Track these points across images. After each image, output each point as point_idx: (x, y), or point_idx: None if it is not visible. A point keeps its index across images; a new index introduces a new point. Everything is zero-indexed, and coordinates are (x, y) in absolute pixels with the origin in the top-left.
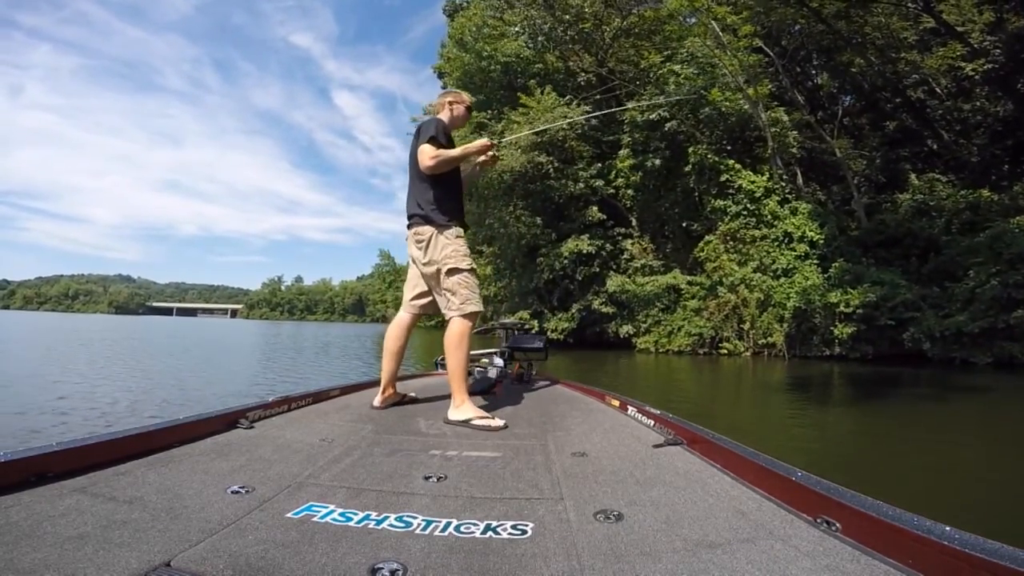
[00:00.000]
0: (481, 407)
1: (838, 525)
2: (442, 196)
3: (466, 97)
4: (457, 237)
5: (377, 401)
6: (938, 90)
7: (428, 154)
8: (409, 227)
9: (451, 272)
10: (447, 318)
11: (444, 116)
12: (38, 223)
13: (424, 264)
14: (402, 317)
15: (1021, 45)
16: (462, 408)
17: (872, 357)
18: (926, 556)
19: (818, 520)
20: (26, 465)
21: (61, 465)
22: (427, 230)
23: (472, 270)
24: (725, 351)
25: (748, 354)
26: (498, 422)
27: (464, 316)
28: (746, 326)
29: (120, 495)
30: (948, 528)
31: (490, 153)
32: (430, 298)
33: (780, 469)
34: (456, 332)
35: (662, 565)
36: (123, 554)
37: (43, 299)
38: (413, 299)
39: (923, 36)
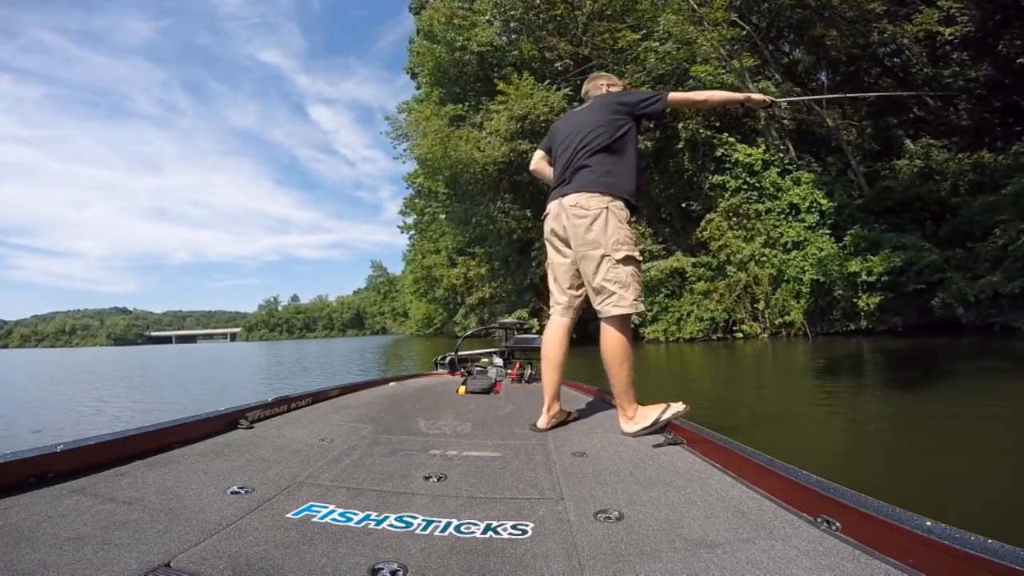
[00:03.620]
0: (480, 407)
1: (838, 525)
2: (627, 166)
3: (618, 81)
4: (628, 221)
5: (542, 422)
6: (913, 59)
7: (674, 93)
8: (563, 195)
9: (625, 261)
10: (607, 315)
11: None
12: (28, 260)
13: (583, 245)
14: (559, 321)
15: (993, 7)
16: (639, 415)
17: (902, 329)
18: (926, 556)
19: (818, 520)
20: (26, 466)
21: (61, 466)
22: (594, 202)
23: (640, 262)
24: (740, 335)
25: (765, 336)
26: (678, 405)
27: (628, 316)
28: (760, 306)
29: (120, 496)
30: (948, 528)
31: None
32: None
33: (780, 469)
34: (623, 338)
35: (662, 565)
36: (123, 555)
37: (40, 336)
38: (570, 296)
39: (890, 7)
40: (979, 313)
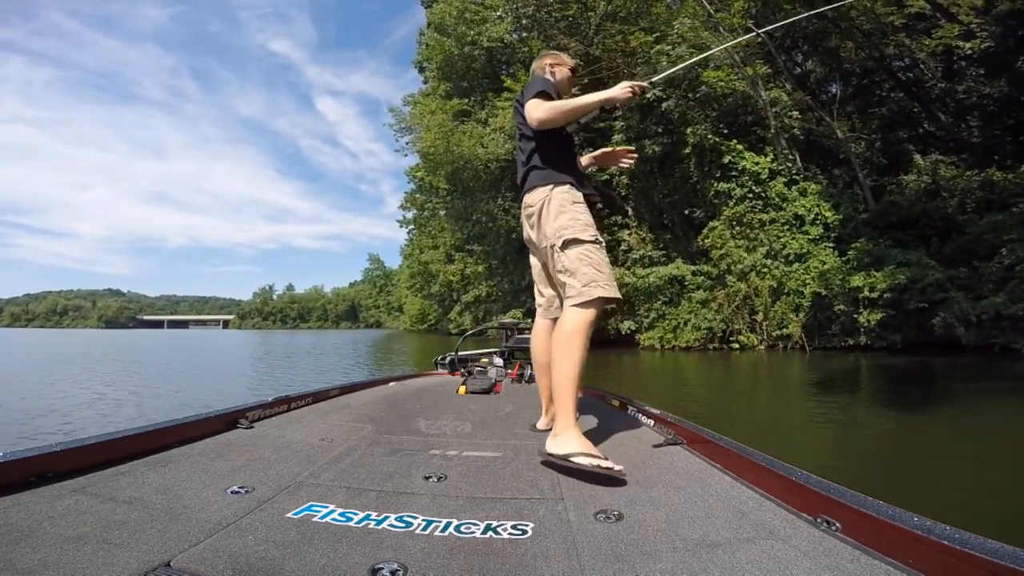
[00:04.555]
0: (480, 407)
1: (838, 525)
2: (554, 151)
3: (567, 59)
4: (575, 203)
5: (541, 423)
6: (928, 73)
7: (539, 107)
8: (520, 201)
9: (568, 245)
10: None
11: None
12: (24, 239)
13: (538, 245)
14: (542, 324)
15: (1016, 22)
16: (564, 437)
17: (901, 346)
18: (926, 556)
19: (818, 520)
20: (26, 465)
21: (61, 465)
22: (536, 197)
23: (597, 242)
24: (737, 345)
25: (762, 348)
26: (611, 464)
27: (584, 304)
28: (759, 317)
29: (120, 495)
30: (948, 528)
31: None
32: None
33: (780, 469)
34: (569, 327)
35: (662, 565)
36: (123, 554)
37: (31, 316)
38: (547, 296)
39: (909, 20)
40: (980, 334)
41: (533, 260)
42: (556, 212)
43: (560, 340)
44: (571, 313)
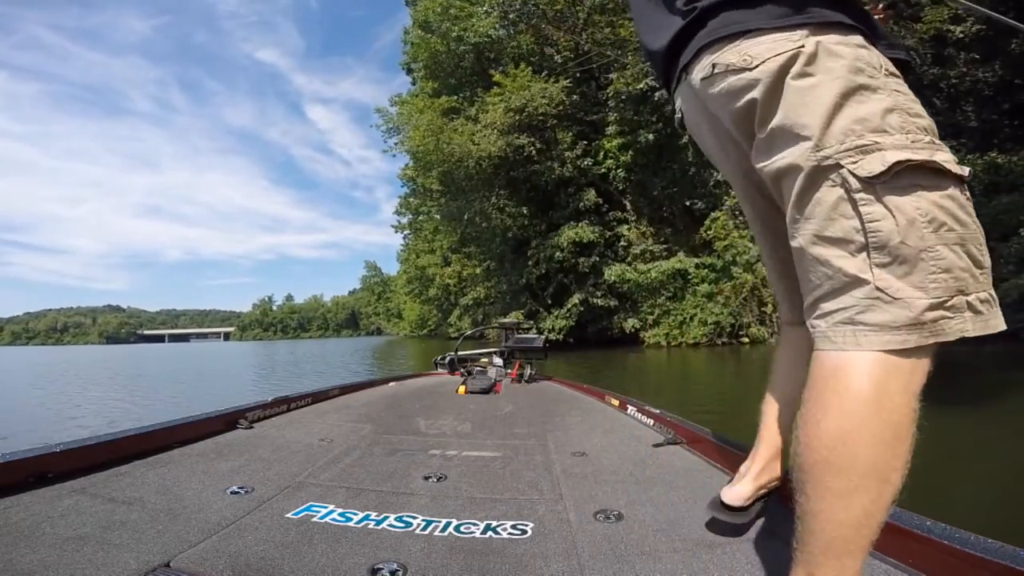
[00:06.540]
0: (480, 407)
1: None
2: None
3: None
4: (890, 73)
5: (733, 495)
6: (918, 59)
7: None
8: (680, 71)
9: (897, 177)
10: (834, 346)
11: None
12: (20, 257)
13: (765, 171)
14: (785, 355)
15: (1005, 6)
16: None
17: None
18: (926, 556)
19: None
20: (26, 466)
21: (61, 466)
22: (757, 49)
23: (963, 181)
24: (747, 339)
25: (774, 341)
26: None
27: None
28: (768, 309)
29: (119, 496)
30: (948, 528)
31: None
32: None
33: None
34: (882, 410)
35: (662, 565)
36: (122, 555)
37: (32, 334)
38: (785, 290)
39: (897, 4)
40: (1003, 319)
41: (751, 217)
42: (835, 91)
43: (848, 441)
44: (892, 369)
